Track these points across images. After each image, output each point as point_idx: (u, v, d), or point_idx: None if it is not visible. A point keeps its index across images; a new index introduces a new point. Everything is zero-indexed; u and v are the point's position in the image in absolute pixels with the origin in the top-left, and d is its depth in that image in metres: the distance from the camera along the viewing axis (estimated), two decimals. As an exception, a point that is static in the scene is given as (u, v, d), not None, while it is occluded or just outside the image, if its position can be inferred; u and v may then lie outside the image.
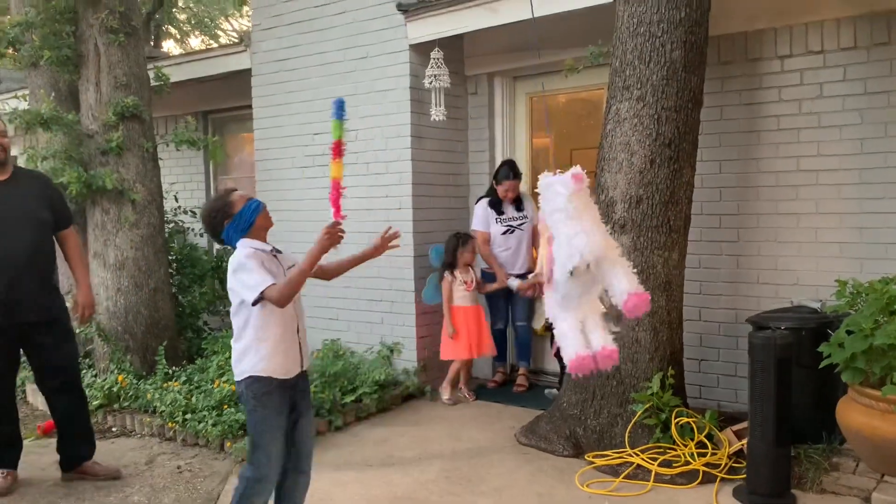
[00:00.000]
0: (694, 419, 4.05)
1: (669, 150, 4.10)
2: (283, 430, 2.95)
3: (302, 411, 3.04)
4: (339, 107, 2.83)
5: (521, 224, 5.50)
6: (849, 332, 3.53)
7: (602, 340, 2.50)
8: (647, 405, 4.06)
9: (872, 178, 4.33)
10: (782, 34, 4.55)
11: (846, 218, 4.43)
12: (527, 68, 5.67)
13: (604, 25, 4.48)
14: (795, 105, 4.55)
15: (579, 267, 2.40)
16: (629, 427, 4.08)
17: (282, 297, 2.77)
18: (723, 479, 3.75)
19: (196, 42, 18.38)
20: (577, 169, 2.48)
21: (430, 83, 5.32)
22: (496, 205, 5.52)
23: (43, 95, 5.49)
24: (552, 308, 2.62)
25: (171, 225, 6.77)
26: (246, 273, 2.80)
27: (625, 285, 2.46)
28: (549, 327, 5.14)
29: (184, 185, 7.79)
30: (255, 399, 2.88)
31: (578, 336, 2.52)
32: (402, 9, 5.32)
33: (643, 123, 4.11)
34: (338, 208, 2.87)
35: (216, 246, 7.64)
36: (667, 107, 4.09)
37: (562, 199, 2.44)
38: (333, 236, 2.79)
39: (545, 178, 2.54)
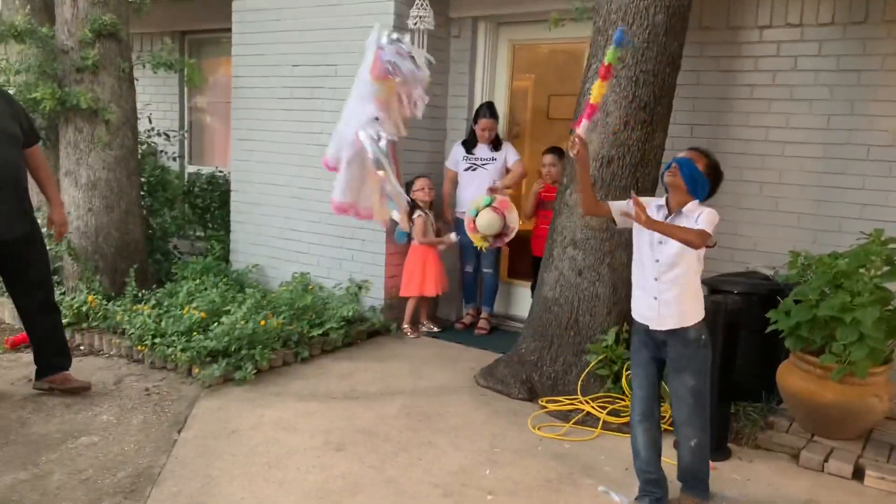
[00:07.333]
0: (644, 372, 4.25)
1: (644, 112, 4.20)
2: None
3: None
4: (620, 36, 2.97)
5: (486, 164, 5.59)
6: (796, 302, 3.74)
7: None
8: (601, 356, 4.26)
9: (835, 153, 4.49)
10: (764, 5, 4.62)
11: (806, 190, 4.60)
12: (511, 15, 5.68)
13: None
14: (770, 76, 4.65)
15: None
16: (582, 376, 4.29)
17: None
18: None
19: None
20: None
21: (415, 24, 5.28)
22: (468, 144, 5.66)
23: (18, 6, 5.35)
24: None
25: (144, 146, 6.71)
26: None
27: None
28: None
29: (157, 105, 7.67)
30: None
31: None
32: (391, -55, 5.25)
33: (621, 85, 4.18)
34: (579, 122, 3.02)
35: (188, 170, 7.62)
36: (645, 70, 4.16)
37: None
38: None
39: None
